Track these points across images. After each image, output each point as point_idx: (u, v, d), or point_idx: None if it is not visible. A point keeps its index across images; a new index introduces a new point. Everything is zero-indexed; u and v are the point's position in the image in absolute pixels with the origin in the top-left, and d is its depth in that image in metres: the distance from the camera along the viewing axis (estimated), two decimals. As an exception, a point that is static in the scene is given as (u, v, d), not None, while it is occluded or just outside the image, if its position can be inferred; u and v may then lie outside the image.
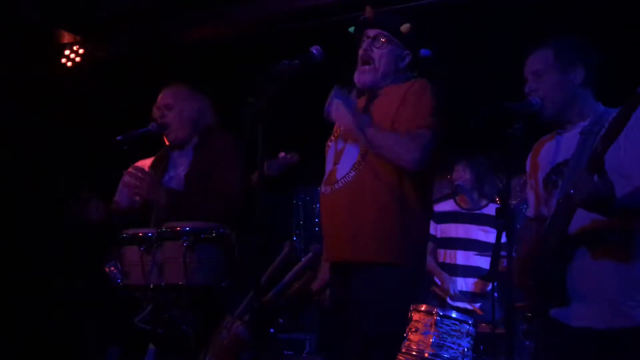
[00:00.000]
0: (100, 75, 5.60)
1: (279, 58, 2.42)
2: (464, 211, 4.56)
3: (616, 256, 2.32)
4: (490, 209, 4.41)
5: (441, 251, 4.55)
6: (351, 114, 2.58)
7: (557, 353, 2.40)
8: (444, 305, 4.25)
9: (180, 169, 3.32)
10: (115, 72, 5.56)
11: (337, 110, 2.59)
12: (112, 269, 3.50)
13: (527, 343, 3.47)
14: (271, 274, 2.77)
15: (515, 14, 4.55)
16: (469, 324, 3.59)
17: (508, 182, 2.30)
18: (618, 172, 2.26)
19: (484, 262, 4.27)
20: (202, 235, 2.83)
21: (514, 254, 2.28)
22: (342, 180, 2.65)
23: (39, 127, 5.35)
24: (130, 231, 2.95)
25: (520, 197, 4.22)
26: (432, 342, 3.48)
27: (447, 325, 3.56)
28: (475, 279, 4.41)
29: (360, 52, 2.76)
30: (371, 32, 2.75)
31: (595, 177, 2.15)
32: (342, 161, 2.69)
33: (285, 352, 4.70)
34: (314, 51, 2.49)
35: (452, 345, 3.51)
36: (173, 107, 3.31)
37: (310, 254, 2.64)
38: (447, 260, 4.51)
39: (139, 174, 3.12)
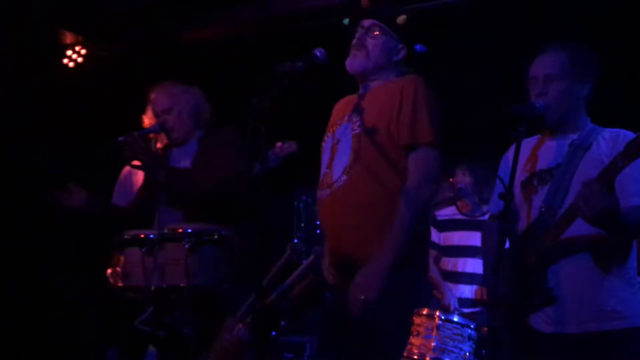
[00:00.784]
0: (102, 75, 5.60)
1: (282, 59, 2.41)
2: (465, 218, 4.54)
3: (602, 264, 2.33)
4: None
5: (444, 259, 4.53)
6: (383, 270, 2.43)
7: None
8: (446, 311, 4.23)
9: (182, 163, 3.31)
10: (117, 73, 5.56)
11: (372, 283, 2.44)
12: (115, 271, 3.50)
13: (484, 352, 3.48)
14: (273, 276, 2.76)
15: (514, 15, 4.56)
16: (471, 328, 3.58)
17: (511, 184, 2.29)
18: (617, 188, 2.28)
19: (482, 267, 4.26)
20: (204, 237, 2.82)
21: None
22: (336, 183, 2.60)
23: (41, 127, 5.35)
24: (132, 232, 2.95)
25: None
26: (434, 346, 3.47)
27: (449, 329, 3.54)
28: (477, 286, 4.39)
29: (354, 42, 2.69)
30: (366, 23, 2.69)
31: (606, 191, 2.15)
32: (335, 164, 2.64)
33: (286, 354, 4.69)
34: (317, 53, 2.47)
35: (454, 350, 3.50)
36: (171, 109, 3.32)
37: (312, 257, 2.63)
38: (450, 268, 4.49)
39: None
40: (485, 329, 3.81)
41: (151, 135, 3.72)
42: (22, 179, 5.26)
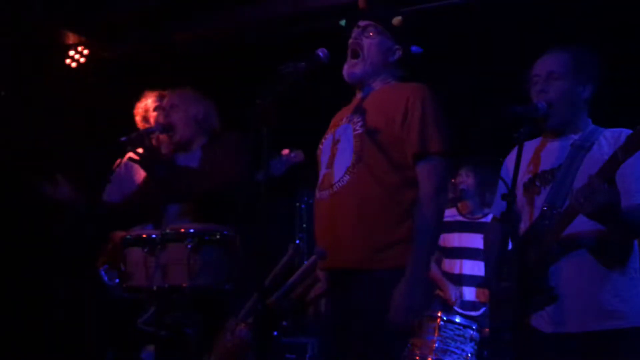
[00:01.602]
0: (104, 76, 5.60)
1: (284, 60, 2.41)
2: (465, 220, 4.53)
3: (603, 263, 2.34)
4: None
5: (446, 261, 4.53)
6: (416, 290, 2.41)
7: None
8: (448, 309, 4.23)
9: None
10: (120, 73, 5.57)
11: (404, 306, 2.41)
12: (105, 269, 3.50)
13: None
14: (275, 276, 2.76)
15: (516, 16, 4.56)
16: (472, 329, 3.59)
17: (513, 185, 2.29)
18: (619, 186, 2.28)
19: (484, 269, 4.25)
20: (206, 237, 2.81)
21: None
22: (337, 184, 2.57)
23: (43, 127, 5.35)
24: (134, 233, 2.95)
25: None
26: (436, 347, 3.48)
27: (451, 330, 3.55)
28: (477, 288, 4.39)
29: (350, 41, 2.68)
30: (362, 23, 2.69)
31: (606, 186, 2.15)
32: (336, 164, 2.61)
33: (288, 355, 4.69)
34: (320, 54, 2.47)
35: (456, 351, 3.51)
36: (178, 107, 3.32)
37: (314, 257, 2.62)
38: (451, 270, 4.48)
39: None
40: (487, 330, 3.82)
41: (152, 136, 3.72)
42: (23, 179, 5.26)
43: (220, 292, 2.83)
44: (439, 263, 4.49)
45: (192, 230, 2.81)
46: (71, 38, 5.69)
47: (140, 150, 3.12)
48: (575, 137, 2.47)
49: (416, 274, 2.41)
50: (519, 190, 2.52)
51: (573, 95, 2.46)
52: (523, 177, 2.53)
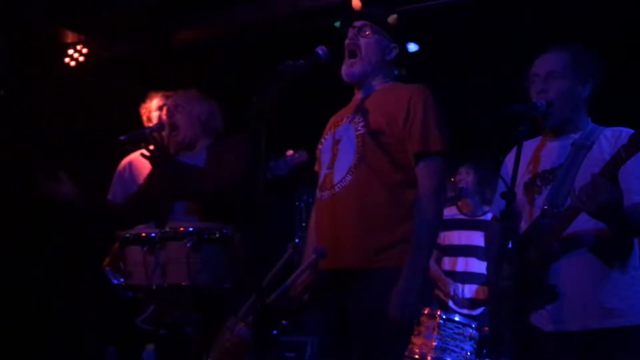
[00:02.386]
0: (103, 74, 5.60)
1: (283, 58, 2.41)
2: (465, 217, 4.53)
3: (604, 261, 2.34)
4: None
5: (444, 259, 4.53)
6: (413, 286, 2.41)
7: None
8: (447, 309, 4.23)
9: None
10: (119, 72, 5.56)
11: (402, 303, 2.41)
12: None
13: None
14: (274, 275, 2.76)
15: (516, 15, 4.56)
16: (472, 328, 3.59)
17: (513, 184, 2.29)
18: (620, 185, 2.28)
19: (485, 268, 4.25)
20: (206, 236, 2.81)
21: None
22: (339, 184, 2.57)
23: (42, 126, 5.35)
24: (133, 231, 2.94)
25: None
26: (435, 345, 3.48)
27: (450, 328, 3.55)
28: (477, 286, 4.39)
29: (347, 42, 2.69)
30: (357, 23, 2.69)
31: (609, 185, 2.16)
32: (338, 164, 2.61)
33: (287, 354, 4.70)
34: (320, 52, 2.48)
35: (455, 349, 3.51)
36: (182, 107, 3.34)
37: (314, 256, 2.62)
38: (450, 268, 4.48)
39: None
40: (487, 328, 3.82)
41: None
42: (23, 178, 5.26)
43: (220, 291, 2.82)
44: (438, 262, 4.50)
45: (191, 229, 2.81)
46: (70, 37, 5.68)
47: (151, 146, 3.12)
48: (576, 136, 2.47)
49: (414, 271, 2.41)
50: (520, 190, 2.52)
51: (573, 95, 2.46)
52: (524, 176, 2.53)
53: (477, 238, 4.41)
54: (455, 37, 4.84)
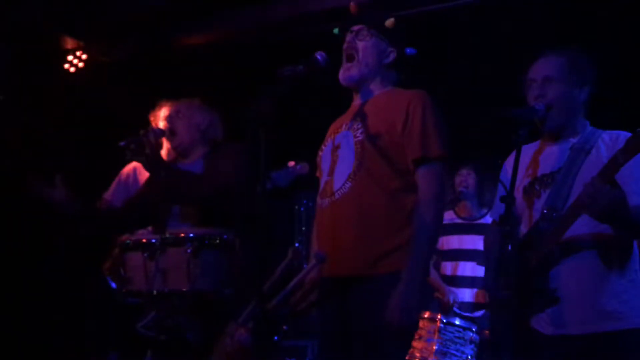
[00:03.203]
0: (103, 80, 5.61)
1: (282, 64, 2.41)
2: (463, 222, 4.53)
3: (604, 264, 2.35)
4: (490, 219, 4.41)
5: (444, 263, 4.53)
6: (412, 291, 2.40)
7: None
8: (447, 312, 4.24)
9: None
10: (118, 78, 5.57)
11: (402, 308, 2.40)
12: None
13: None
14: (275, 280, 2.76)
15: (511, 18, 4.58)
16: (472, 331, 3.59)
17: (512, 188, 2.29)
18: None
19: (484, 271, 4.25)
20: (206, 242, 2.81)
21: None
22: (339, 191, 2.57)
23: (42, 132, 5.35)
24: (134, 237, 2.94)
25: None
26: (436, 349, 3.49)
27: (451, 332, 3.56)
28: (477, 289, 4.39)
29: (344, 46, 2.69)
30: (355, 28, 2.70)
31: (608, 187, 2.16)
32: (337, 171, 2.61)
33: (287, 358, 4.69)
34: (319, 57, 2.48)
35: (456, 353, 3.51)
36: (183, 114, 3.37)
37: (313, 261, 2.62)
38: (450, 272, 4.48)
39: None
40: (487, 332, 3.82)
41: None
42: (22, 183, 5.26)
43: (220, 297, 2.83)
44: (437, 267, 4.49)
45: (191, 235, 2.81)
46: (69, 43, 5.70)
47: (147, 151, 3.12)
48: (574, 140, 2.48)
49: (414, 276, 2.41)
50: (519, 194, 2.53)
51: (570, 98, 2.47)
52: (523, 180, 2.54)
53: (476, 242, 4.41)
54: (455, 41, 4.85)
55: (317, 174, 2.78)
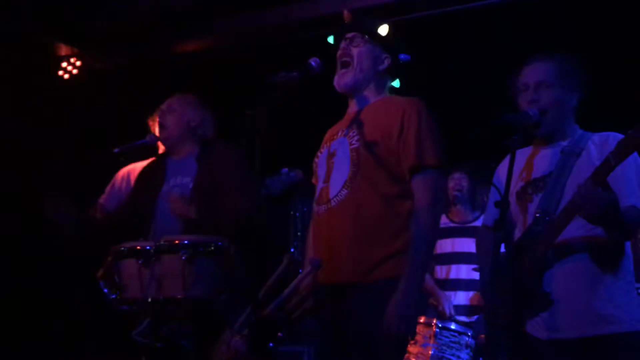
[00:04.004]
0: (97, 87, 5.61)
1: (277, 70, 2.41)
2: (456, 225, 4.54)
3: (597, 267, 2.35)
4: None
5: (438, 267, 4.53)
6: (410, 299, 2.41)
7: None
8: (443, 317, 4.24)
9: (181, 178, 3.31)
10: (113, 84, 5.58)
11: (399, 317, 2.40)
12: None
13: None
14: (270, 286, 2.75)
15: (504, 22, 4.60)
16: (468, 336, 3.60)
17: (506, 193, 2.30)
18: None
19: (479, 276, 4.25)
20: (201, 249, 2.81)
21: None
22: (335, 198, 2.57)
23: (36, 139, 5.34)
24: (128, 244, 2.94)
25: None
26: (432, 354, 3.49)
27: (447, 337, 3.56)
28: (472, 292, 4.40)
29: (339, 53, 2.70)
30: (349, 35, 2.72)
31: (600, 190, 2.17)
32: (333, 178, 2.61)
33: (284, 364, 4.68)
34: (313, 63, 2.48)
35: (452, 357, 3.52)
36: (175, 110, 3.38)
37: (309, 267, 2.62)
38: (444, 276, 4.49)
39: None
40: (483, 336, 3.83)
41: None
42: (18, 190, 5.25)
43: (215, 304, 2.82)
44: (430, 271, 4.50)
45: (186, 242, 2.81)
46: (63, 50, 5.70)
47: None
48: (564, 143, 2.49)
49: (410, 285, 2.41)
50: (512, 199, 2.54)
51: (563, 103, 2.50)
52: (515, 185, 2.54)
53: (468, 245, 4.42)
54: (448, 45, 4.87)
55: (313, 180, 2.79)
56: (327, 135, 2.78)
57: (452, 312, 4.31)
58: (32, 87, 5.39)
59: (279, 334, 2.55)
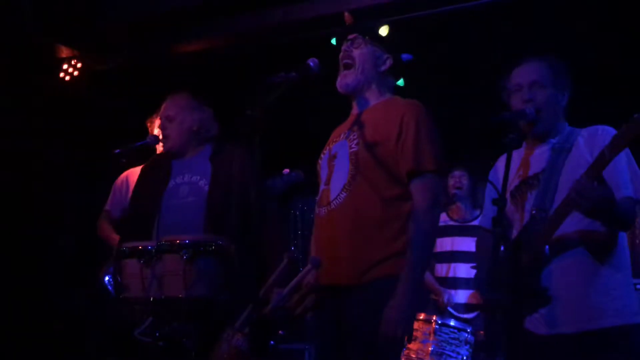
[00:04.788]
0: (98, 88, 5.62)
1: (277, 70, 2.43)
2: (456, 224, 4.55)
3: (595, 261, 2.38)
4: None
5: (438, 265, 4.54)
6: (407, 302, 2.42)
7: None
8: (443, 314, 4.26)
9: (189, 176, 3.31)
10: (113, 86, 5.59)
11: (397, 320, 2.42)
12: (110, 280, 3.51)
13: None
14: (270, 285, 2.77)
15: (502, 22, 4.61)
16: (467, 332, 3.61)
17: (504, 190, 2.32)
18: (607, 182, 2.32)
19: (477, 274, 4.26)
20: (201, 248, 2.82)
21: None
22: (334, 201, 2.59)
23: (38, 141, 5.36)
24: (130, 244, 2.96)
25: None
26: (431, 350, 3.50)
27: (446, 333, 3.58)
28: (471, 291, 4.41)
29: (341, 54, 2.72)
30: (350, 36, 2.73)
31: (595, 184, 2.20)
32: (333, 180, 2.63)
33: (285, 362, 4.70)
34: (311, 63, 2.50)
35: (451, 354, 3.53)
36: (174, 118, 3.36)
37: (309, 265, 2.63)
38: (444, 274, 4.50)
39: None
40: (482, 332, 3.84)
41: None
42: (19, 192, 5.27)
43: (217, 303, 2.84)
44: (431, 269, 4.51)
45: (187, 241, 2.82)
46: (64, 51, 5.71)
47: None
48: (554, 140, 2.52)
49: (408, 288, 2.42)
50: (509, 198, 2.55)
51: (556, 102, 2.52)
52: (511, 184, 2.56)
53: (468, 244, 4.43)
54: (448, 45, 4.88)
55: (319, 180, 2.81)
56: (331, 137, 2.80)
57: (452, 301, 4.32)
58: (33, 89, 5.40)
59: (280, 332, 2.56)
